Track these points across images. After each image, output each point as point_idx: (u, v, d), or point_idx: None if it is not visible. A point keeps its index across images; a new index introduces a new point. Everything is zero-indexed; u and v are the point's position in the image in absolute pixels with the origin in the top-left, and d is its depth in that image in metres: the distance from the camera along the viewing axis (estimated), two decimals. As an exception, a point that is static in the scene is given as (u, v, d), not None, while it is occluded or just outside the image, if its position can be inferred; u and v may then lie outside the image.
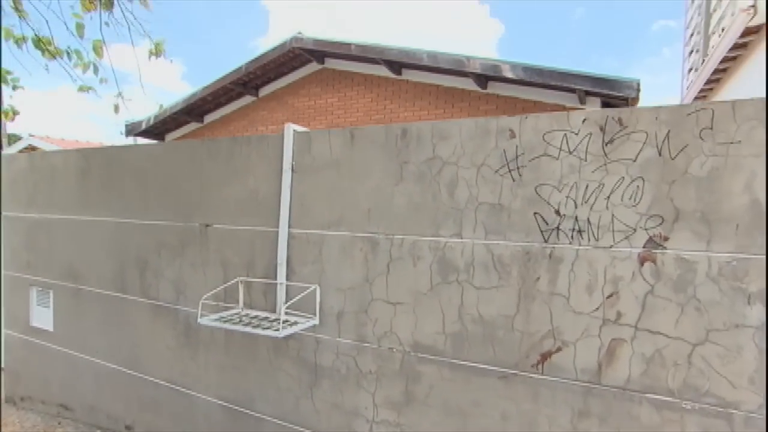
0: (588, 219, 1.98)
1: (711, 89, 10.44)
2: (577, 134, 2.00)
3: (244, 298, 2.79)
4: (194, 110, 9.70)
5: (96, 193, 3.71)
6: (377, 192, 2.40)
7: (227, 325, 2.39)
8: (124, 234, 3.52)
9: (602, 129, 1.96)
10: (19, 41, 3.53)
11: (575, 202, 2.00)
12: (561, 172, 2.03)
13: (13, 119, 3.75)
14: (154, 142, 10.19)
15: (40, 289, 4.17)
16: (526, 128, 2.09)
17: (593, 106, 6.53)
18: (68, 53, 3.66)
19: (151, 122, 9.68)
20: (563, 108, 6.60)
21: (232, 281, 2.76)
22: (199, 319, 2.46)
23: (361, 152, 2.45)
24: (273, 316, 2.61)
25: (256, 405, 2.89)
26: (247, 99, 9.41)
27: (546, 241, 2.06)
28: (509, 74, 6.24)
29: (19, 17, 3.44)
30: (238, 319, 2.54)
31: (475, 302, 2.18)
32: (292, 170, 2.62)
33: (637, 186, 1.90)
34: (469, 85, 7.10)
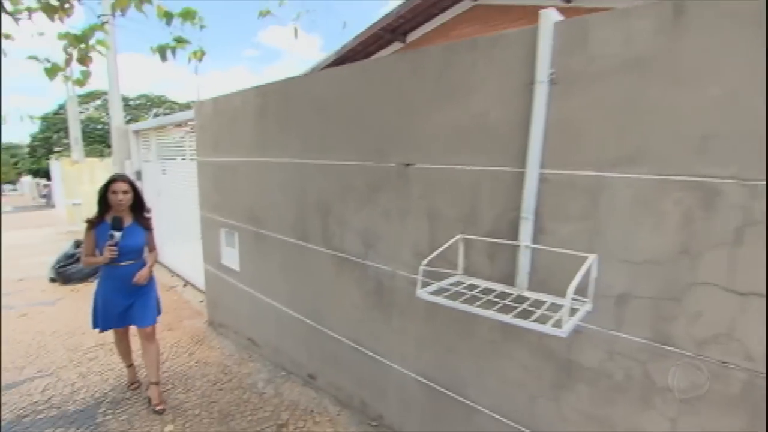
0: None
1: None
2: None
3: (462, 260, 1.86)
4: (346, 61, 8.95)
5: (273, 133, 3.03)
6: (728, 105, 1.22)
7: (465, 306, 1.47)
8: (303, 176, 2.80)
9: None
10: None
11: None
12: None
13: (83, 85, 2.95)
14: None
15: (227, 230, 3.77)
16: None
17: None
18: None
19: (309, 75, 9.15)
20: None
21: (452, 240, 1.83)
22: (418, 292, 1.59)
23: (695, 38, 1.26)
24: (512, 291, 1.65)
25: (468, 391, 2.04)
26: (396, 46, 8.36)
27: None
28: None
29: None
30: (467, 293, 1.63)
31: None
32: (551, 82, 1.54)
33: None
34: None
